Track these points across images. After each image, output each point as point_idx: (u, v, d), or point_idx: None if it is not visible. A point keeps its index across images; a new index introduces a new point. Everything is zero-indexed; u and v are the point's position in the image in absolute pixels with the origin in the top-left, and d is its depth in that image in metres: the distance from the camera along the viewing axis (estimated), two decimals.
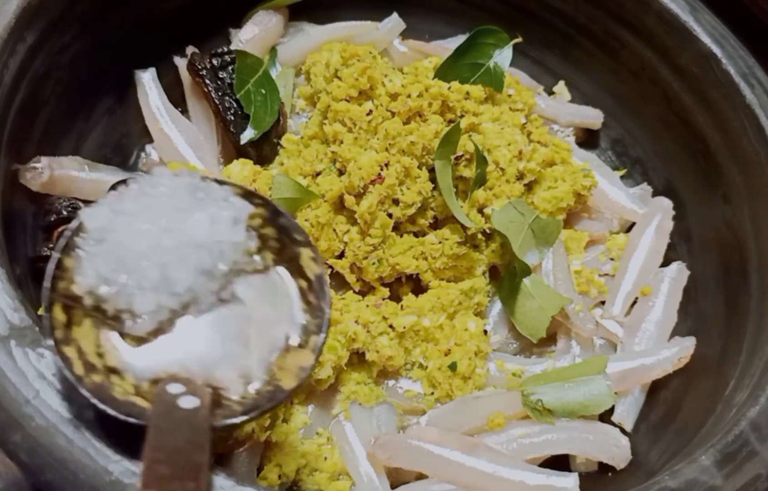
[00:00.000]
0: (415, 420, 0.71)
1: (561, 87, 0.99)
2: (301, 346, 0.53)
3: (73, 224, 0.52)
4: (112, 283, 0.50)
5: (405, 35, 0.96)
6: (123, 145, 0.87)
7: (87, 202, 0.73)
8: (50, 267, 0.51)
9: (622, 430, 0.72)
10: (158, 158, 0.86)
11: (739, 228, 0.80)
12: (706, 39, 0.84)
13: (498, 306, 0.80)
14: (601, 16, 0.92)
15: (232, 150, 0.84)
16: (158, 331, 0.51)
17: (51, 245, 0.70)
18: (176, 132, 0.85)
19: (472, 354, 0.72)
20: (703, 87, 0.84)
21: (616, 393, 0.71)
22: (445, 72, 0.85)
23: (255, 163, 0.82)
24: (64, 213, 0.71)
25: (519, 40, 0.90)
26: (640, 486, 0.56)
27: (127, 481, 0.48)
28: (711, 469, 0.57)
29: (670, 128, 0.90)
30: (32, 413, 0.50)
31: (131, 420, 0.47)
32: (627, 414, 0.75)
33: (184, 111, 0.88)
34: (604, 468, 0.71)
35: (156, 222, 0.51)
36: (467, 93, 0.82)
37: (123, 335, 0.51)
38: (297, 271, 0.56)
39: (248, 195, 0.57)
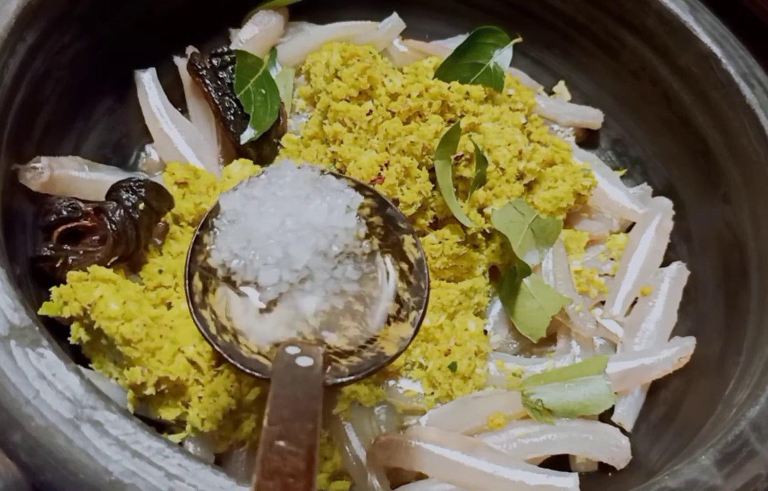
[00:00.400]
0: (415, 420, 0.71)
1: (561, 87, 0.99)
2: (401, 320, 0.59)
3: (211, 205, 0.61)
4: (242, 258, 0.58)
5: (405, 35, 0.96)
6: (123, 145, 0.87)
7: (87, 202, 0.73)
8: (191, 242, 0.59)
9: (622, 430, 0.72)
10: (158, 158, 0.86)
11: (739, 228, 0.80)
12: (706, 39, 0.84)
13: (498, 306, 0.80)
14: (601, 16, 0.92)
15: (232, 150, 0.84)
16: (279, 301, 0.57)
17: (51, 245, 0.70)
18: (176, 132, 0.85)
19: (472, 354, 0.72)
20: (703, 87, 0.84)
21: (616, 393, 0.71)
22: (445, 72, 0.85)
23: (255, 163, 0.82)
24: (64, 213, 0.71)
25: (519, 40, 0.90)
26: (640, 486, 0.56)
27: (127, 481, 0.48)
28: (711, 469, 0.57)
29: (670, 128, 0.90)
30: (32, 413, 0.50)
31: (256, 374, 0.53)
32: (627, 414, 0.75)
33: (184, 111, 0.88)
34: (604, 468, 0.71)
35: (281, 207, 0.59)
36: (467, 93, 0.82)
37: (249, 303, 0.57)
38: (400, 255, 0.62)
39: (360, 187, 0.64)
